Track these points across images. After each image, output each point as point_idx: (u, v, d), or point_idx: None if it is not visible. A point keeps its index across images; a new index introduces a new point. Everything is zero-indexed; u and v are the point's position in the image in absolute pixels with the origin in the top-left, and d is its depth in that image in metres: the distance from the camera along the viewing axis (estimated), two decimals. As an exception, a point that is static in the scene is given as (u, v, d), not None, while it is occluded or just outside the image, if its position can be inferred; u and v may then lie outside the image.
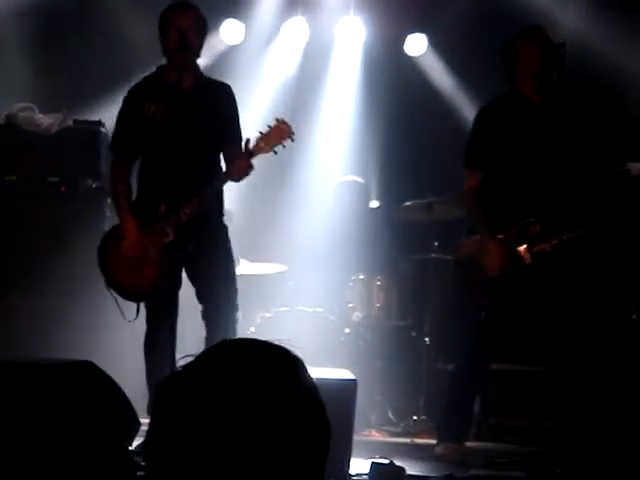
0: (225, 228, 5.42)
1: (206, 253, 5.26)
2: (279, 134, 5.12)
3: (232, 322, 5.30)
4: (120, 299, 5.25)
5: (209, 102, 5.29)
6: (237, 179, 5.25)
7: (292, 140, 5.17)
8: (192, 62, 5.33)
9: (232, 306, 5.32)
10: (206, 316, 5.31)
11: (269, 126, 5.12)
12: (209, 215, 5.30)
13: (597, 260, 6.40)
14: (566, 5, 7.95)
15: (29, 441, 2.84)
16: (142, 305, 5.29)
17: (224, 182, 5.24)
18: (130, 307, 5.31)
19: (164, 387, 1.48)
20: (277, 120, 5.18)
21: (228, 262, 5.36)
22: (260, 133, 5.17)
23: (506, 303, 5.29)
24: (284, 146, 5.15)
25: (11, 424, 2.87)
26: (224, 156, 5.35)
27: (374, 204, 8.22)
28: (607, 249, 6.49)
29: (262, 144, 5.13)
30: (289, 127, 5.13)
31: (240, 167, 5.13)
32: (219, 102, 5.32)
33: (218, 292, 5.28)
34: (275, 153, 5.16)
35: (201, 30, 5.33)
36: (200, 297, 5.33)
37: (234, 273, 5.43)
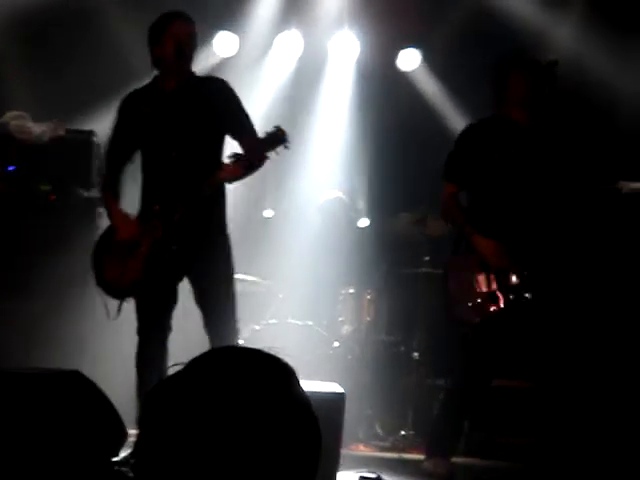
0: (228, 237, 5.37)
1: (208, 263, 5.22)
2: (273, 141, 5.09)
3: (234, 333, 5.26)
4: (108, 300, 5.20)
5: (200, 99, 5.26)
6: (230, 180, 5.20)
7: (287, 148, 5.13)
8: (187, 69, 5.34)
9: (234, 319, 5.27)
10: (209, 327, 5.26)
11: (266, 132, 5.10)
12: (211, 225, 5.28)
13: (586, 277, 6.40)
14: (559, 22, 7.98)
15: (14, 452, 2.81)
16: (126, 305, 5.23)
17: (215, 183, 5.16)
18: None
19: (153, 396, 1.46)
20: (274, 127, 5.15)
21: (229, 273, 5.32)
22: (255, 140, 5.17)
23: (495, 320, 5.28)
24: (277, 153, 5.11)
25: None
26: (242, 149, 5.30)
27: (364, 223, 8.20)
28: (598, 265, 6.49)
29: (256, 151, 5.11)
30: (285, 135, 5.10)
31: (231, 170, 5.08)
32: (211, 97, 5.30)
33: (220, 304, 5.24)
34: (267, 158, 5.13)
35: (194, 41, 5.36)
36: (202, 307, 5.29)
37: (234, 284, 5.37)
